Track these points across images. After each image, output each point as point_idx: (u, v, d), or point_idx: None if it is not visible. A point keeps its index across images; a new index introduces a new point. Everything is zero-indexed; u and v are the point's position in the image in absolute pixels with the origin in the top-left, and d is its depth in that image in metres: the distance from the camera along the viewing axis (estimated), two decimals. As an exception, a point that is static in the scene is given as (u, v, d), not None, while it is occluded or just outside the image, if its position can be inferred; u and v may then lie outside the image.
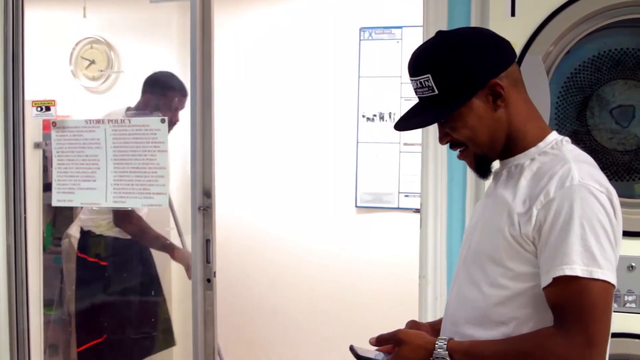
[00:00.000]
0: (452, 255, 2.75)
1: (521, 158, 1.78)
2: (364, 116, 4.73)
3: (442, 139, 1.82)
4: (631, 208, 2.64)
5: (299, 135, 4.78)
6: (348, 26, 4.72)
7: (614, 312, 2.47)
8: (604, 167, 2.69)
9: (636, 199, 2.69)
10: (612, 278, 1.60)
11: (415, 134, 4.66)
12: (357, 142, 4.74)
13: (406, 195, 4.63)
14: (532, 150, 1.77)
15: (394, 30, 4.68)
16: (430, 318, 2.75)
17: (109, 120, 3.27)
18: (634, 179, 2.78)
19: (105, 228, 3.82)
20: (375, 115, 4.70)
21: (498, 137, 1.76)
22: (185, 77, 4.56)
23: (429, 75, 1.72)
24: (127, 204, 3.25)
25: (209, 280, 3.05)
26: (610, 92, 2.80)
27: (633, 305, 2.58)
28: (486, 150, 1.78)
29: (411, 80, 1.78)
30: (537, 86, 2.57)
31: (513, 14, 2.59)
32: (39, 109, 3.39)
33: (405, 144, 4.65)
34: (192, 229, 3.07)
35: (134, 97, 4.41)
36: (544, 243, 1.63)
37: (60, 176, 3.33)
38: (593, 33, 2.65)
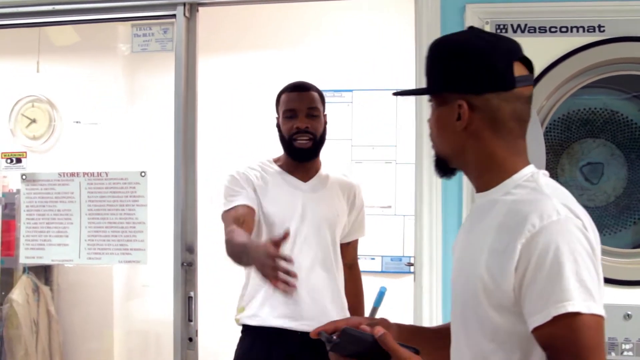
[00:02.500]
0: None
1: (496, 192, 1.69)
2: (314, 178, 4.73)
3: (428, 120, 1.81)
4: (626, 258, 2.72)
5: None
6: (298, 88, 4.75)
7: (613, 360, 2.53)
8: (574, 223, 2.82)
9: (629, 249, 2.77)
10: (603, 311, 1.53)
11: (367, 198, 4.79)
12: (308, 204, 4.72)
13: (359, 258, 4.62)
14: (507, 182, 1.67)
15: (344, 94, 4.75)
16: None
17: (84, 174, 3.16)
18: (604, 234, 2.87)
19: None
20: (326, 178, 4.71)
21: (458, 154, 1.71)
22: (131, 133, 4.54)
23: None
24: (102, 260, 3.12)
25: (190, 340, 2.94)
26: (579, 150, 2.90)
27: (630, 353, 2.64)
28: (443, 155, 1.76)
29: None
30: (532, 139, 2.63)
31: (508, 71, 2.66)
32: (8, 160, 3.25)
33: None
34: (174, 285, 2.96)
35: (77, 158, 4.32)
36: (530, 281, 1.53)
37: (29, 232, 3.18)
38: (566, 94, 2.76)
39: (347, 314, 3.07)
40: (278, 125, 3.05)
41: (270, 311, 2.90)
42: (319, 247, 2.99)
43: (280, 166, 3.06)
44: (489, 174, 1.68)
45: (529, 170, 1.68)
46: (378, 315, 2.38)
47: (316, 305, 2.93)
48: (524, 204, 1.60)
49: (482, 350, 1.66)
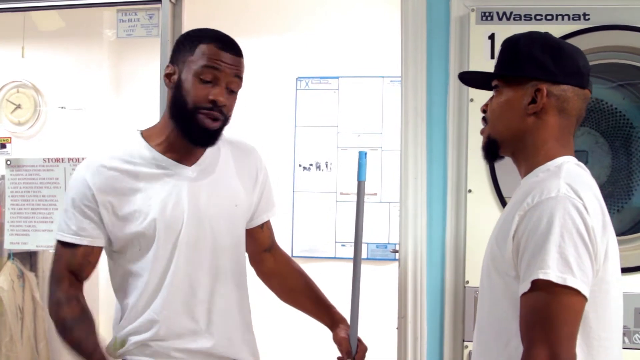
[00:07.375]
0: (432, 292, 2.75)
1: (529, 177, 1.82)
2: (300, 165, 4.74)
3: (483, 105, 1.95)
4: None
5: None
6: (285, 75, 4.76)
7: (625, 348, 2.49)
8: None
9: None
10: (585, 289, 1.61)
11: (353, 185, 4.81)
12: (293, 192, 4.74)
13: (342, 245, 4.64)
14: (541, 167, 1.80)
15: (330, 81, 4.75)
16: None
17: (69, 159, 3.15)
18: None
19: None
20: (311, 165, 4.73)
21: (516, 137, 1.84)
22: (116, 119, 4.53)
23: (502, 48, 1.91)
24: (88, 246, 3.10)
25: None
26: (564, 138, 2.90)
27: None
28: (497, 136, 1.87)
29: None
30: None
31: (492, 57, 2.67)
32: (-7, 146, 3.24)
33: (341, 194, 4.69)
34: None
35: (62, 143, 4.31)
36: (523, 249, 1.66)
37: (14, 217, 3.17)
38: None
39: (255, 342, 2.35)
40: (177, 83, 2.15)
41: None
42: (219, 255, 2.22)
43: (156, 147, 2.21)
44: (533, 158, 1.83)
45: (562, 159, 1.80)
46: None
47: (224, 337, 2.21)
48: (536, 183, 1.73)
49: (484, 316, 1.85)
